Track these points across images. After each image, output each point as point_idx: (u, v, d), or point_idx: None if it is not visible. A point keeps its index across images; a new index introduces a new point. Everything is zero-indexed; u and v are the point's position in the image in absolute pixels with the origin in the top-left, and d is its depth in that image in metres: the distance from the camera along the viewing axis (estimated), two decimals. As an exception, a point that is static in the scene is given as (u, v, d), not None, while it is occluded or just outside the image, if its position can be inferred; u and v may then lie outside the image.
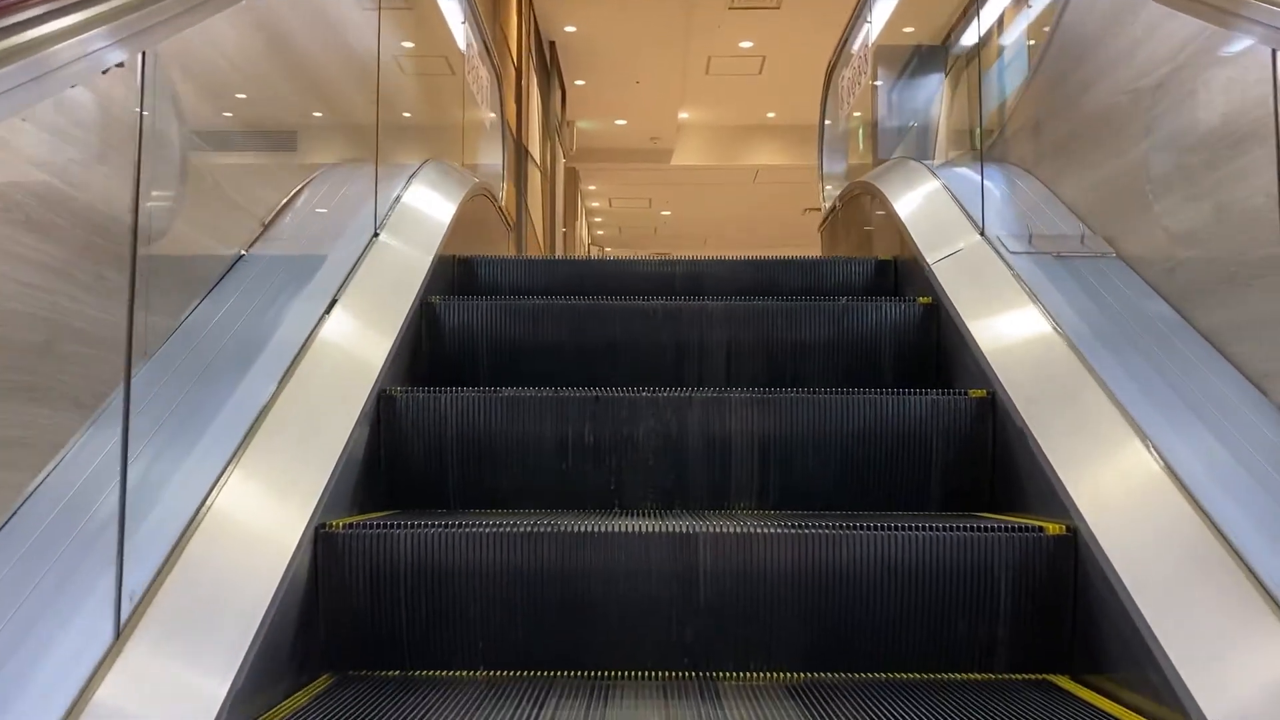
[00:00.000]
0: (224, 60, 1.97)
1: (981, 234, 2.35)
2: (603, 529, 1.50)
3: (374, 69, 2.61)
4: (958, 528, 1.49)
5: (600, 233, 17.88)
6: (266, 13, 2.19)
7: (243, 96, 2.13)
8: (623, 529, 1.50)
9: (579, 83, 11.06)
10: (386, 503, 1.89)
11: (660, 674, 1.46)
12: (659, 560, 1.49)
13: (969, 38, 4.03)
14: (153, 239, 1.63)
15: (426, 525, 1.50)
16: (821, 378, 2.31)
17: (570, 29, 9.69)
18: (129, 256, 1.19)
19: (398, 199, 2.63)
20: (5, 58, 0.94)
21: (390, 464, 1.90)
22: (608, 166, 13.51)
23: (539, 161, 8.90)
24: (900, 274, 2.75)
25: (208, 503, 1.33)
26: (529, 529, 1.50)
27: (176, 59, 1.72)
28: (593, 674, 1.46)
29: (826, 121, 5.54)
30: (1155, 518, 1.39)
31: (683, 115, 12.27)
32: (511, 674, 1.46)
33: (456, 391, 1.92)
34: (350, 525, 1.51)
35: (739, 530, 1.50)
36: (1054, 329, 1.87)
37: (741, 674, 1.46)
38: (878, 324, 2.34)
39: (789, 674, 1.46)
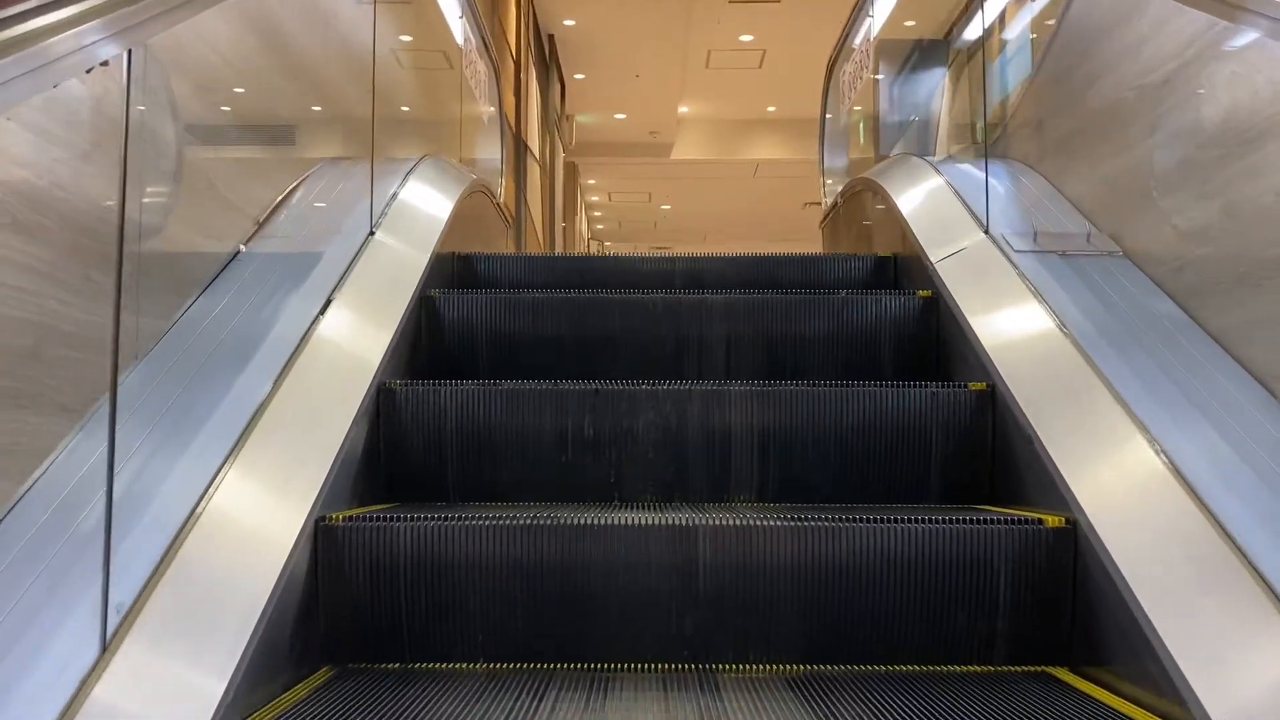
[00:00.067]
0: (216, 56, 1.95)
1: (986, 232, 2.32)
2: (602, 522, 1.50)
3: (369, 64, 2.59)
4: (957, 520, 1.49)
5: (600, 227, 17.86)
6: (259, 6, 2.17)
7: (235, 92, 2.11)
8: (622, 522, 1.50)
9: (578, 76, 11.03)
10: (386, 496, 1.89)
11: (660, 666, 1.47)
12: (659, 553, 1.49)
13: (971, 32, 4.02)
14: (145, 238, 1.63)
15: (426, 518, 1.50)
16: (821, 371, 2.31)
17: (569, 22, 9.66)
18: (116, 256, 1.18)
19: (394, 196, 2.61)
20: None
21: (390, 457, 1.90)
22: (607, 161, 13.49)
23: (538, 156, 8.89)
24: (903, 272, 2.74)
25: (207, 497, 1.33)
26: (529, 522, 1.50)
27: (167, 54, 1.71)
28: (592, 666, 1.46)
29: (828, 116, 5.53)
30: (1156, 511, 1.39)
31: (683, 109, 12.25)
32: (511, 666, 1.46)
33: (456, 384, 1.92)
34: (350, 518, 1.51)
35: (738, 523, 1.50)
36: (1057, 326, 1.85)
37: (741, 666, 1.47)
38: (877, 318, 2.34)
39: (788, 666, 1.46)
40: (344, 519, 1.50)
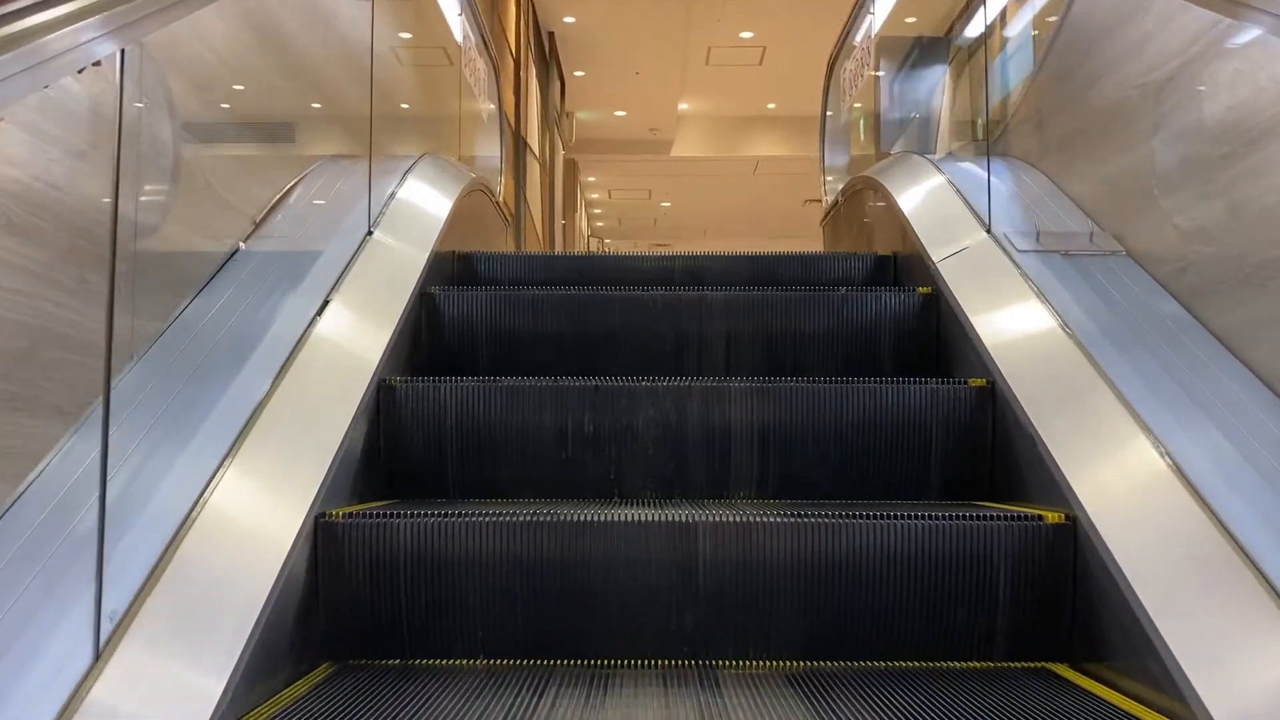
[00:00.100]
0: (211, 54, 1.93)
1: (988, 231, 2.31)
2: (602, 518, 1.50)
3: (367, 62, 2.57)
4: (957, 516, 1.49)
5: (600, 224, 17.85)
6: (257, 2, 2.16)
7: (231, 90, 2.10)
8: (622, 518, 1.50)
9: (578, 74, 11.02)
10: (386, 492, 1.89)
11: (660, 662, 1.47)
12: (658, 549, 1.49)
13: (972, 29, 4.01)
14: (143, 238, 1.62)
15: (426, 514, 1.50)
16: (821, 368, 2.31)
17: (569, 20, 9.65)
18: (109, 259, 1.16)
19: (393, 195, 2.60)
20: None
21: (390, 454, 1.90)
22: (607, 158, 13.48)
23: (538, 153, 8.88)
24: (904, 271, 2.73)
25: (206, 494, 1.33)
26: (529, 518, 1.50)
27: (163, 51, 1.69)
28: (592, 663, 1.46)
29: (828, 114, 5.52)
30: (1156, 508, 1.39)
31: (683, 106, 12.24)
32: (511, 663, 1.46)
33: (456, 381, 1.92)
34: (350, 514, 1.51)
35: (738, 519, 1.50)
36: (1059, 326, 1.83)
37: (741, 662, 1.47)
38: (877, 314, 2.34)
39: (788, 662, 1.46)
40: (344, 515, 1.50)
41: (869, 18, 4.63)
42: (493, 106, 5.17)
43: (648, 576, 1.49)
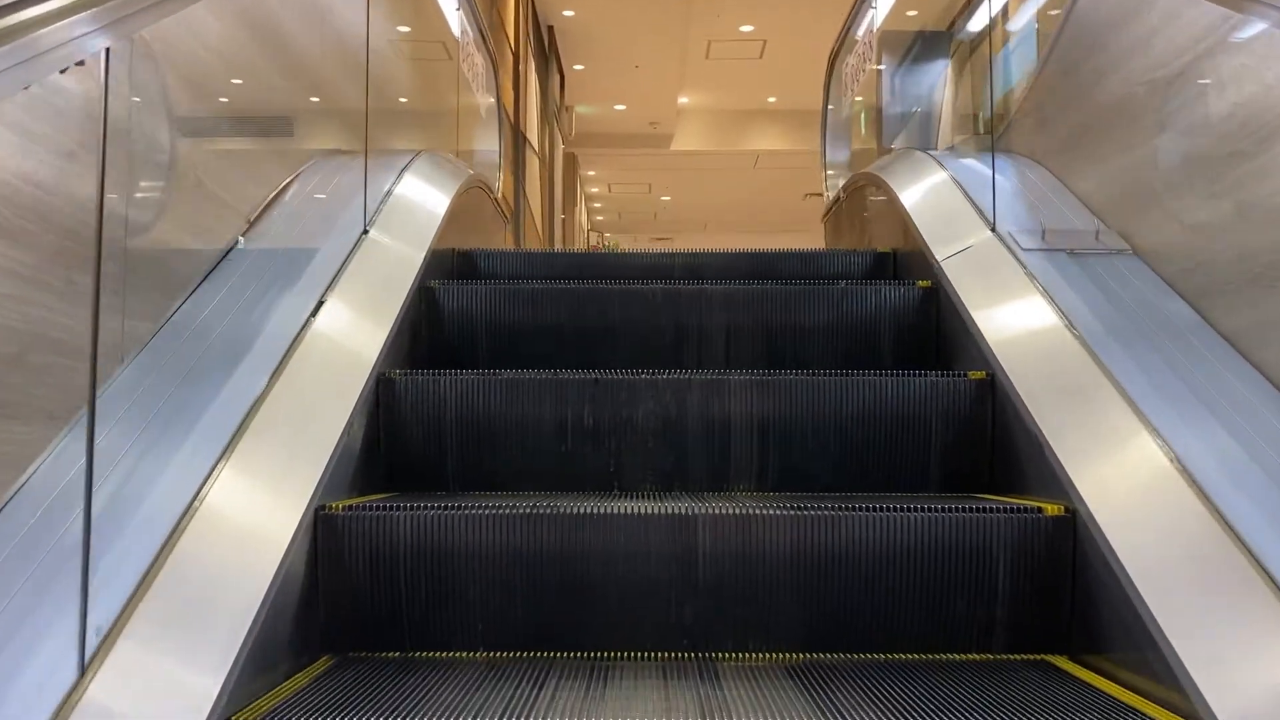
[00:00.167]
0: (206, 51, 1.91)
1: (993, 230, 2.27)
2: (602, 511, 1.50)
3: (363, 57, 2.53)
4: (956, 508, 1.49)
5: (600, 218, 17.84)
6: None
7: (225, 86, 2.07)
8: (622, 511, 1.50)
9: (578, 67, 11.00)
10: (386, 485, 1.89)
11: (659, 655, 1.47)
12: (658, 542, 1.49)
13: (975, 23, 4.00)
14: (137, 236, 1.60)
15: (426, 507, 1.50)
16: (820, 362, 2.31)
17: (568, 13, 9.63)
18: (94, 262, 1.13)
19: (389, 193, 2.58)
20: None
21: (390, 447, 1.90)
22: (607, 152, 13.47)
23: (537, 148, 8.87)
24: (907, 269, 2.72)
25: (205, 488, 1.33)
26: (528, 511, 1.50)
27: (153, 47, 1.67)
28: (592, 655, 1.46)
29: (829, 108, 5.51)
30: (1156, 502, 1.39)
31: (682, 100, 12.22)
32: (511, 655, 1.47)
33: (455, 374, 1.92)
34: (350, 507, 1.51)
35: (738, 512, 1.50)
36: (1064, 325, 1.81)
37: (741, 655, 1.47)
38: (876, 307, 2.34)
39: (788, 654, 1.47)
40: (344, 508, 1.50)
41: (871, 12, 4.62)
42: (491, 100, 5.15)
43: (647, 569, 1.49)
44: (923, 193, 2.79)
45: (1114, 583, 1.31)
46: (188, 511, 1.27)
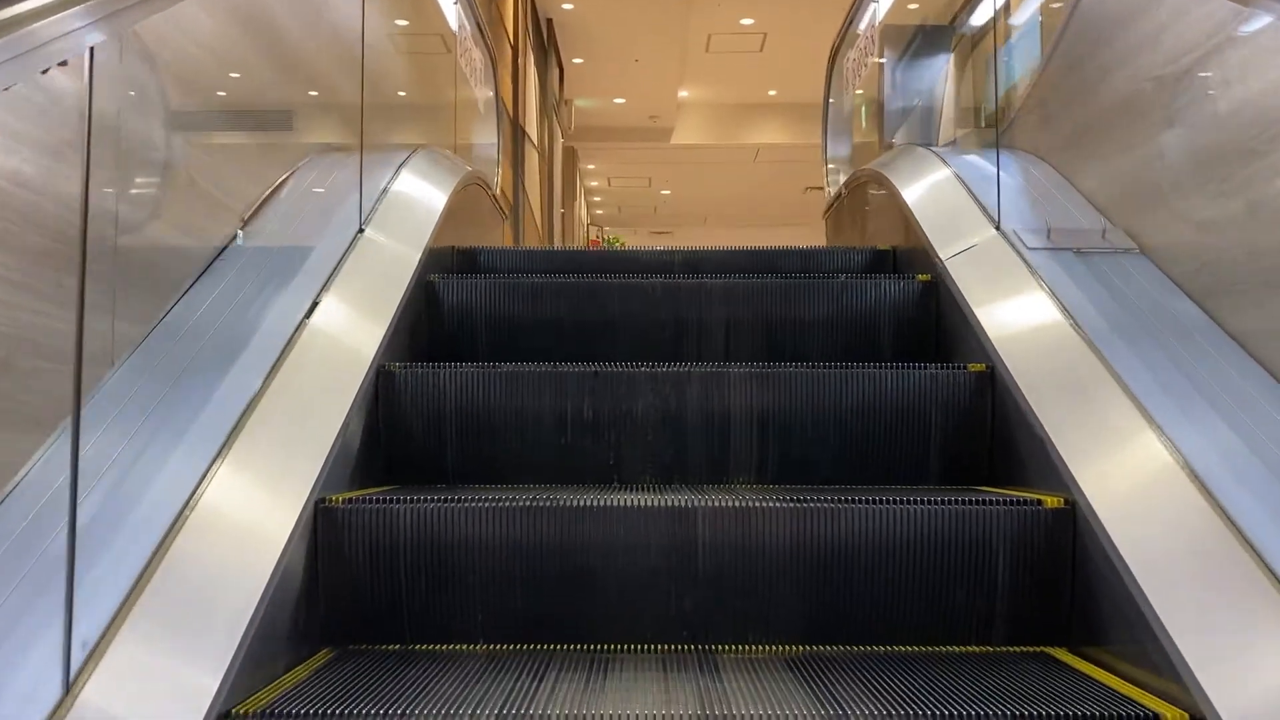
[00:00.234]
0: (195, 45, 1.89)
1: (997, 228, 2.24)
2: (602, 503, 1.50)
3: (359, 52, 2.49)
4: (956, 500, 1.49)
5: (599, 212, 17.82)
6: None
7: (218, 83, 2.04)
8: (622, 503, 1.50)
9: (577, 61, 10.98)
10: (385, 478, 1.89)
11: (659, 647, 1.47)
12: (658, 534, 1.49)
13: (978, 17, 3.98)
14: (131, 235, 1.59)
15: (426, 500, 1.50)
16: (820, 356, 2.31)
17: (568, 6, 9.60)
18: (79, 265, 1.10)
19: (385, 191, 2.55)
20: None
21: (389, 440, 1.90)
22: (607, 145, 13.45)
23: (536, 142, 8.85)
24: (910, 268, 2.70)
25: (205, 481, 1.33)
26: (528, 503, 1.50)
27: (145, 43, 1.65)
28: (592, 647, 1.47)
29: (830, 103, 5.49)
30: (1156, 495, 1.38)
31: (682, 93, 12.20)
32: (511, 647, 1.47)
33: (455, 367, 1.92)
34: (350, 500, 1.51)
35: (737, 504, 1.50)
36: (1067, 320, 1.79)
37: (740, 646, 1.47)
38: (876, 301, 2.33)
39: (787, 646, 1.47)
40: (344, 501, 1.50)
41: (873, 5, 4.60)
42: (490, 94, 5.14)
43: (647, 561, 1.49)
44: (926, 190, 2.76)
45: (1114, 575, 1.31)
46: (187, 506, 1.27)
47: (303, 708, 1.15)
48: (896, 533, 1.48)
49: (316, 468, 1.51)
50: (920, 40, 4.65)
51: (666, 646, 1.47)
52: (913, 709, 1.15)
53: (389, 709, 1.15)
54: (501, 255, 2.94)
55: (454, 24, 4.24)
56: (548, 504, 1.50)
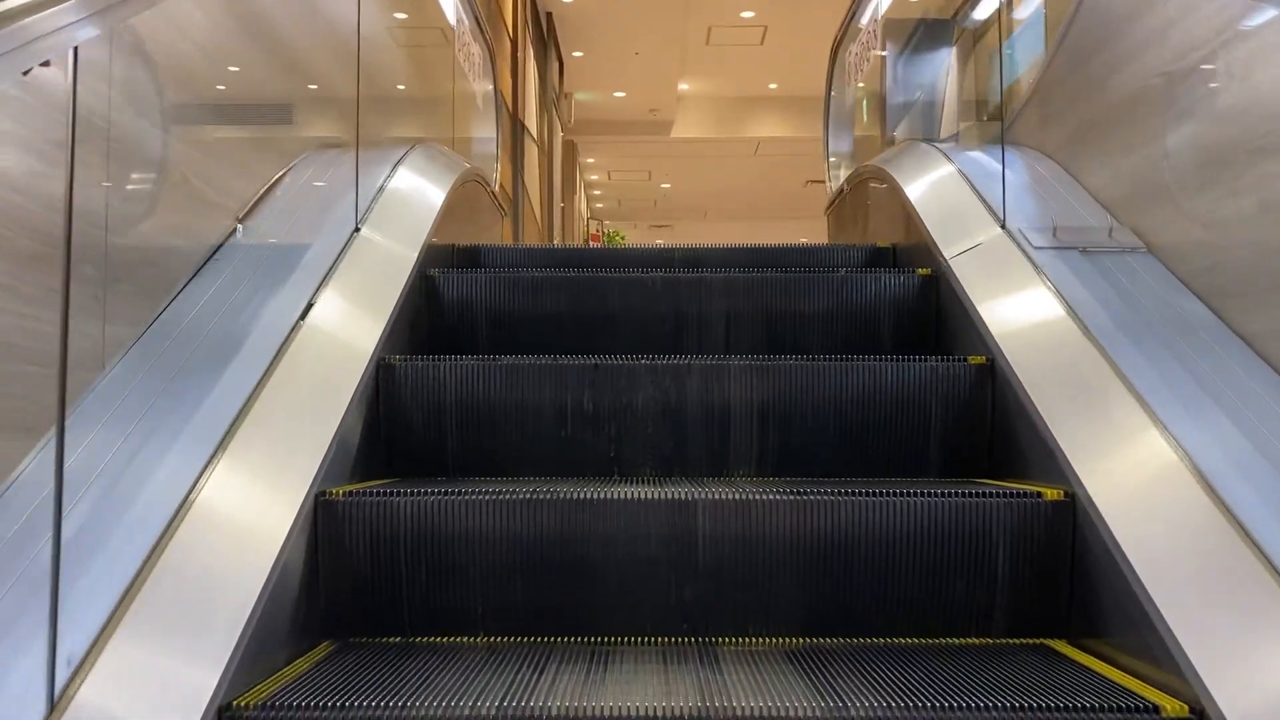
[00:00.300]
0: (186, 41, 1.87)
1: (1002, 226, 2.22)
2: (602, 496, 1.50)
3: (355, 49, 2.45)
4: (955, 493, 1.49)
5: (599, 205, 17.81)
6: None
7: (212, 80, 2.02)
8: (622, 495, 1.50)
9: (577, 54, 10.96)
10: (386, 471, 1.89)
11: (659, 639, 1.47)
12: (658, 526, 1.49)
13: (980, 11, 3.96)
14: (126, 234, 1.58)
15: (426, 492, 1.51)
16: (820, 349, 2.30)
17: (568, -1, 9.59)
18: (63, 268, 1.06)
19: (381, 189, 2.53)
20: None
21: (390, 433, 1.90)
22: (606, 139, 13.43)
23: (536, 136, 8.84)
24: (912, 265, 2.68)
25: (205, 475, 1.32)
26: (529, 496, 1.50)
27: (130, 37, 1.63)
28: (592, 639, 1.47)
29: (832, 95, 5.47)
30: (1157, 488, 1.38)
31: (683, 87, 12.18)
32: (512, 640, 1.47)
33: (455, 359, 1.92)
34: (350, 493, 1.51)
35: (738, 497, 1.50)
36: (1069, 315, 1.78)
37: (740, 639, 1.47)
38: (876, 295, 2.33)
39: (788, 639, 1.47)
40: (344, 494, 1.50)
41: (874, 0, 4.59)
42: (489, 87, 5.13)
43: (647, 553, 1.49)
44: (929, 187, 2.74)
45: (1113, 567, 1.31)
46: (186, 501, 1.27)
47: (303, 699, 1.16)
48: (896, 525, 1.48)
49: (316, 461, 1.51)
50: (922, 34, 4.64)
51: (667, 639, 1.47)
52: (913, 701, 1.15)
53: (389, 701, 1.15)
54: (501, 253, 2.93)
55: (452, 18, 4.22)
56: (548, 496, 1.50)
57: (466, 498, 1.50)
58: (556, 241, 10.39)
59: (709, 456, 1.89)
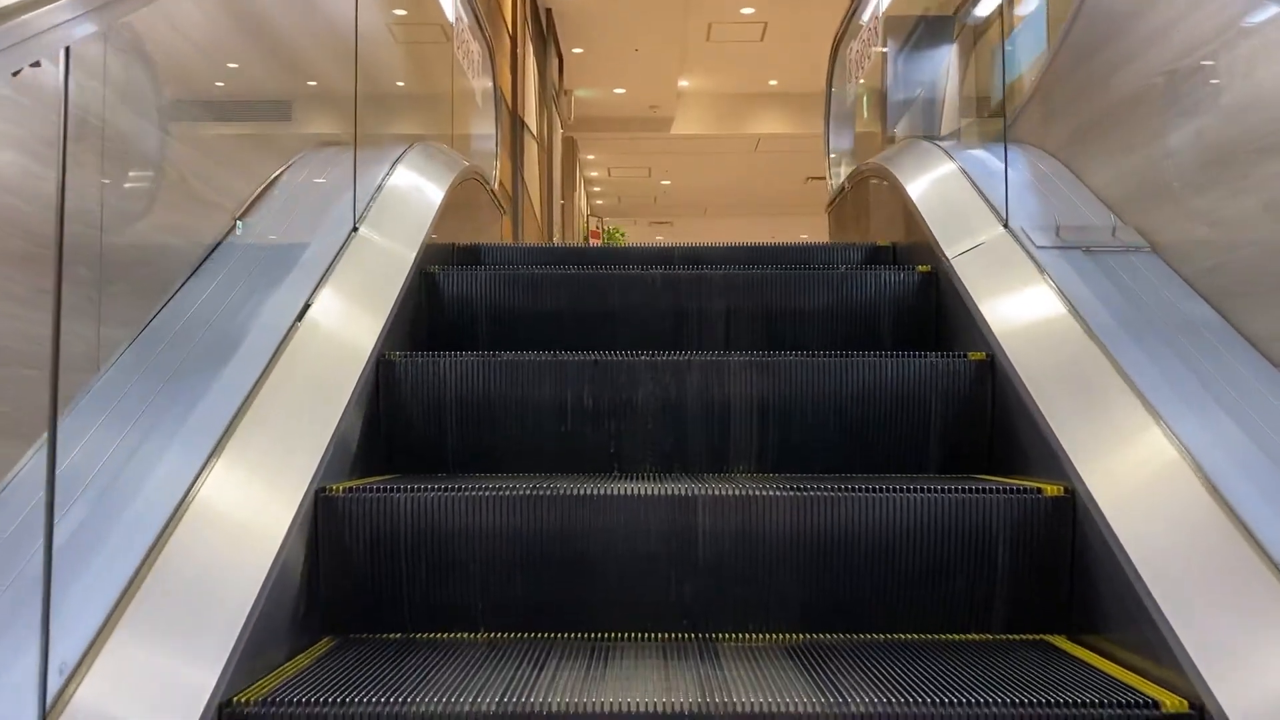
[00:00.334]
0: (186, 43, 1.86)
1: (1005, 226, 2.20)
2: (602, 492, 1.50)
3: (352, 48, 2.43)
4: (955, 489, 1.49)
5: (599, 202, 17.79)
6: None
7: (208, 78, 2.01)
8: (622, 492, 1.51)
9: (577, 50, 10.94)
10: (386, 467, 1.89)
11: (659, 635, 1.47)
12: (658, 523, 1.50)
13: (982, 8, 3.95)
14: (122, 232, 1.56)
15: (426, 488, 1.51)
16: (819, 346, 2.30)
17: (568, -5, 9.56)
18: (55, 270, 1.03)
19: (379, 189, 2.52)
20: None
21: (390, 429, 1.90)
22: (606, 136, 13.41)
23: (535, 133, 8.83)
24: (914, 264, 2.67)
25: (205, 471, 1.32)
26: (529, 492, 1.50)
27: (131, 39, 1.62)
28: (592, 635, 1.47)
29: (833, 92, 5.46)
30: (1158, 484, 1.38)
31: (683, 83, 12.16)
32: (512, 636, 1.47)
33: (455, 355, 1.92)
34: (350, 489, 1.51)
35: (738, 493, 1.50)
36: (1070, 312, 1.76)
37: (740, 635, 1.47)
38: (877, 292, 2.33)
39: (788, 635, 1.47)
40: (344, 490, 1.50)
41: (876, -5, 4.57)
42: (488, 84, 5.12)
43: (647, 550, 1.49)
44: (931, 185, 2.72)
45: (1113, 563, 1.31)
46: (186, 497, 1.27)
47: (304, 695, 1.16)
48: (896, 521, 1.48)
49: (316, 457, 1.51)
50: (923, 30, 4.63)
51: (667, 635, 1.47)
52: (913, 697, 1.15)
53: (390, 697, 1.15)
54: (501, 252, 2.93)
55: (451, 14, 4.22)
56: (548, 492, 1.50)
57: (467, 494, 1.50)
58: (556, 238, 10.38)
59: (709, 452, 1.90)
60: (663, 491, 1.51)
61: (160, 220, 1.83)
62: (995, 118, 3.37)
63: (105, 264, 1.51)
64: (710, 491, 1.50)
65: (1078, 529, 1.44)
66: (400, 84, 3.70)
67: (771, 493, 1.49)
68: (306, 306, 1.81)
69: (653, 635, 1.47)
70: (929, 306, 2.33)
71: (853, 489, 1.49)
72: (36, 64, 0.99)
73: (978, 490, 1.50)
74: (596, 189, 17.06)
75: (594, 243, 14.33)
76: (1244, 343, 1.60)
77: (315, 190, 2.36)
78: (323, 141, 2.57)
